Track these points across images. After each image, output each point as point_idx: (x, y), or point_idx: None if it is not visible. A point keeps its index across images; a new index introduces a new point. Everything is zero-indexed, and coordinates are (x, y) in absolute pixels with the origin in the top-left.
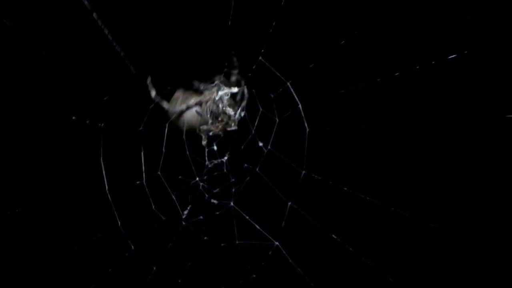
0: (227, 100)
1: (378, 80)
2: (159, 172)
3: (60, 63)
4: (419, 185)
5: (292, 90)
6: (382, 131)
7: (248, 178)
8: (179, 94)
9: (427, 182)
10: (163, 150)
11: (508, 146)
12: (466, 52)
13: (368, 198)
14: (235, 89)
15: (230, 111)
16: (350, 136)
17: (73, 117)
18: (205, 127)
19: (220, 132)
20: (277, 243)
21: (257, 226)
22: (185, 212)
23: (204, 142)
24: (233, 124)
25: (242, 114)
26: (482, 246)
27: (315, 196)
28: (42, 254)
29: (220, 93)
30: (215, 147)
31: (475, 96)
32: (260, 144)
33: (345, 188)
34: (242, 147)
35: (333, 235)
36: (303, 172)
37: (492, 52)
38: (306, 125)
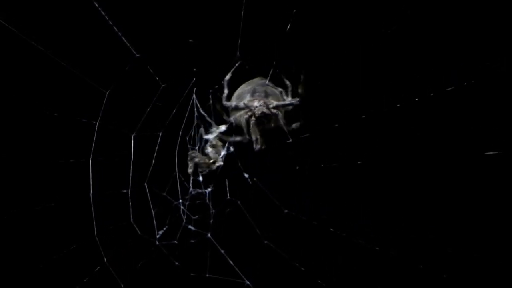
0: (210, 142)
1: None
2: (145, 184)
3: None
4: (407, 225)
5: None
6: (377, 169)
7: (228, 210)
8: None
9: (418, 223)
10: (153, 161)
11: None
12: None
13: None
14: (222, 127)
15: (212, 153)
16: (342, 175)
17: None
18: (193, 154)
19: (205, 168)
20: (248, 282)
21: (230, 262)
22: (160, 232)
23: (189, 171)
24: (216, 164)
25: (231, 149)
26: None
27: (296, 237)
28: (13, 262)
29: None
30: (200, 178)
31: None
32: (246, 175)
33: (331, 229)
34: (227, 180)
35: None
36: (286, 211)
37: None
38: (295, 162)
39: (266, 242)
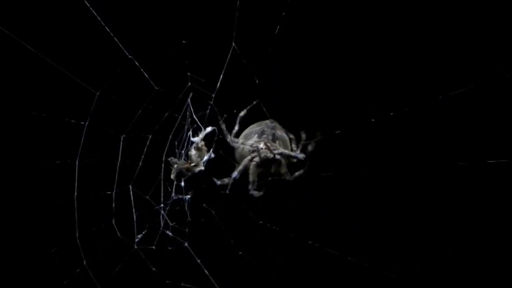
0: (195, 144)
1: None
2: (130, 186)
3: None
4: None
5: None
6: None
7: (203, 219)
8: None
9: (417, 223)
10: (140, 163)
11: None
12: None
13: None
14: (208, 129)
15: (194, 156)
16: (318, 186)
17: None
18: (173, 160)
19: (187, 172)
20: None
21: (206, 271)
22: (139, 236)
23: (172, 176)
24: (197, 167)
25: (212, 155)
26: None
27: (269, 247)
28: None
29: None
30: (182, 183)
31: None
32: (218, 182)
33: (310, 242)
34: (204, 185)
35: None
36: (260, 222)
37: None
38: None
39: (240, 252)
